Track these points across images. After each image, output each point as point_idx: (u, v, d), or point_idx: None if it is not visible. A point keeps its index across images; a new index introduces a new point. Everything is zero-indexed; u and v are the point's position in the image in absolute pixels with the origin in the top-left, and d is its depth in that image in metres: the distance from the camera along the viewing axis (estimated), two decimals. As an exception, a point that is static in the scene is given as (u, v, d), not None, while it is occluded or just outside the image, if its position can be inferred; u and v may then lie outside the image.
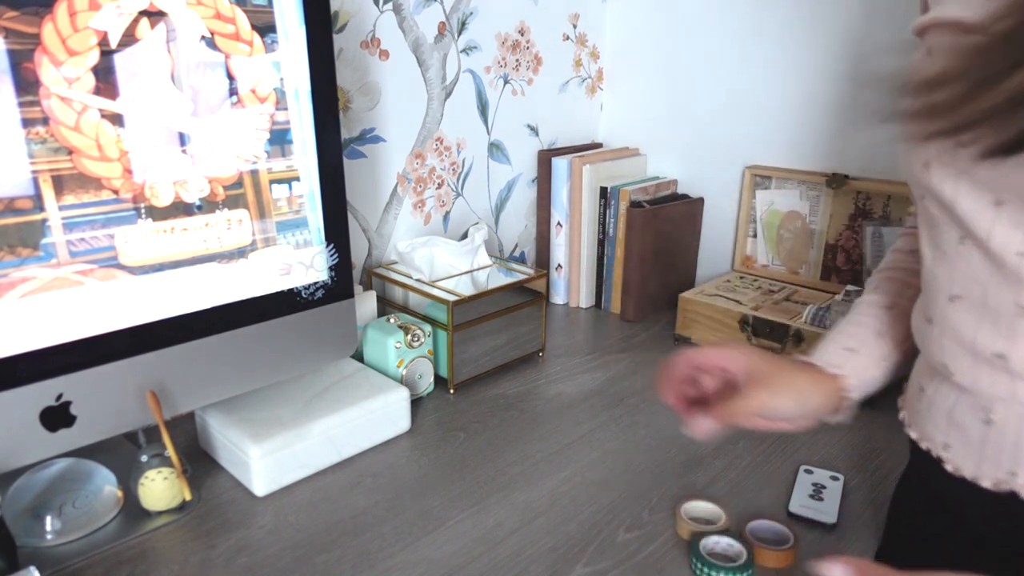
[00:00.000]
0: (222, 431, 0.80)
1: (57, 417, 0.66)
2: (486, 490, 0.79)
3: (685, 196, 1.36)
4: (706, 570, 0.65)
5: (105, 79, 0.62)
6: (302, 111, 0.76)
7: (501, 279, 1.11)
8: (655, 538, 0.71)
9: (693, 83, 1.34)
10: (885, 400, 1.00)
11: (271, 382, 0.83)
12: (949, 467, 0.54)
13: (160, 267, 0.69)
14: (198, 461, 0.83)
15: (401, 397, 0.88)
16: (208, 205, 0.71)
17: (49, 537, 0.69)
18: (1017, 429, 0.49)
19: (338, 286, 0.84)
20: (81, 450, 0.69)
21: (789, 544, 0.68)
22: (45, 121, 0.60)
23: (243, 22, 0.70)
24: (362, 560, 0.68)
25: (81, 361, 0.66)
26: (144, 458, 0.73)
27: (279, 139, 0.75)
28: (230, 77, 0.70)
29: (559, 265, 1.35)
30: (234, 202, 0.73)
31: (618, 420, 0.94)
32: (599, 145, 1.47)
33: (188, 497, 0.74)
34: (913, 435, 0.60)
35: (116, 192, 0.65)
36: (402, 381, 0.95)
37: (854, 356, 0.63)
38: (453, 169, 1.25)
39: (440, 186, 1.23)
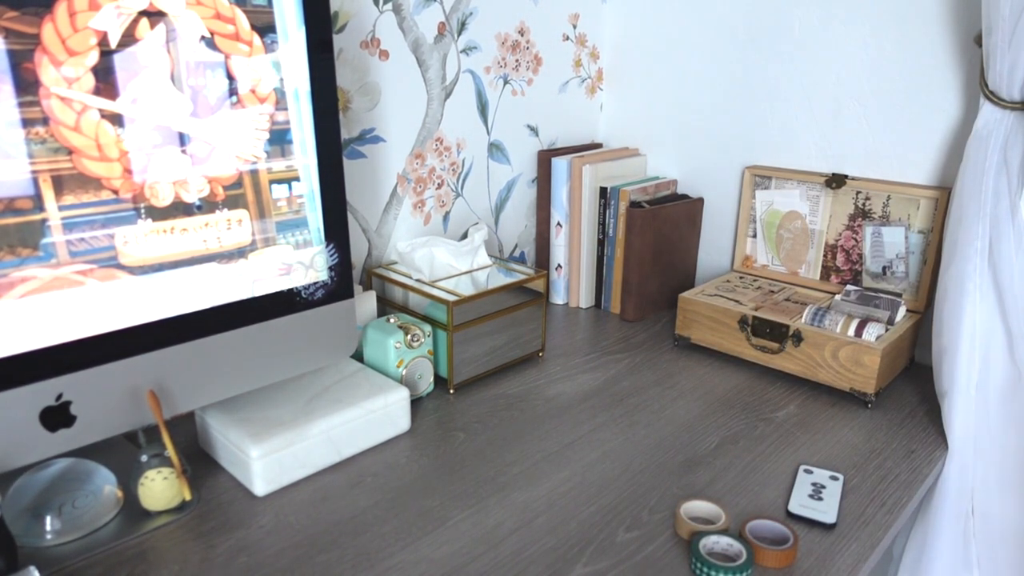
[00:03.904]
0: (222, 431, 0.80)
1: (57, 417, 0.66)
2: (486, 490, 0.79)
3: (685, 196, 1.36)
4: (706, 570, 0.65)
5: (105, 79, 0.62)
6: (302, 111, 0.76)
7: (501, 279, 1.11)
8: (655, 538, 0.71)
9: (693, 83, 1.34)
10: (885, 400, 1.01)
11: (271, 382, 0.83)
12: None
13: (160, 267, 0.69)
14: (198, 461, 0.83)
15: (401, 397, 0.88)
16: (208, 205, 0.71)
17: (49, 537, 0.69)
18: None
19: (338, 286, 0.84)
20: (81, 450, 0.70)
21: (789, 544, 0.68)
22: (45, 121, 0.60)
23: (243, 22, 0.70)
24: (362, 560, 0.68)
25: (81, 361, 0.66)
26: (144, 458, 0.73)
27: (279, 139, 0.75)
28: (230, 77, 0.70)
29: (559, 265, 1.36)
30: (234, 202, 0.73)
31: (618, 420, 0.94)
32: (599, 145, 1.47)
33: (188, 497, 0.74)
34: None
35: (116, 192, 0.65)
36: (402, 381, 0.95)
37: None
38: (453, 169, 1.25)
39: (440, 186, 1.23)
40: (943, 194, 1.06)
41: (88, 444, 0.68)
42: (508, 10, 1.25)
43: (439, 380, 1.03)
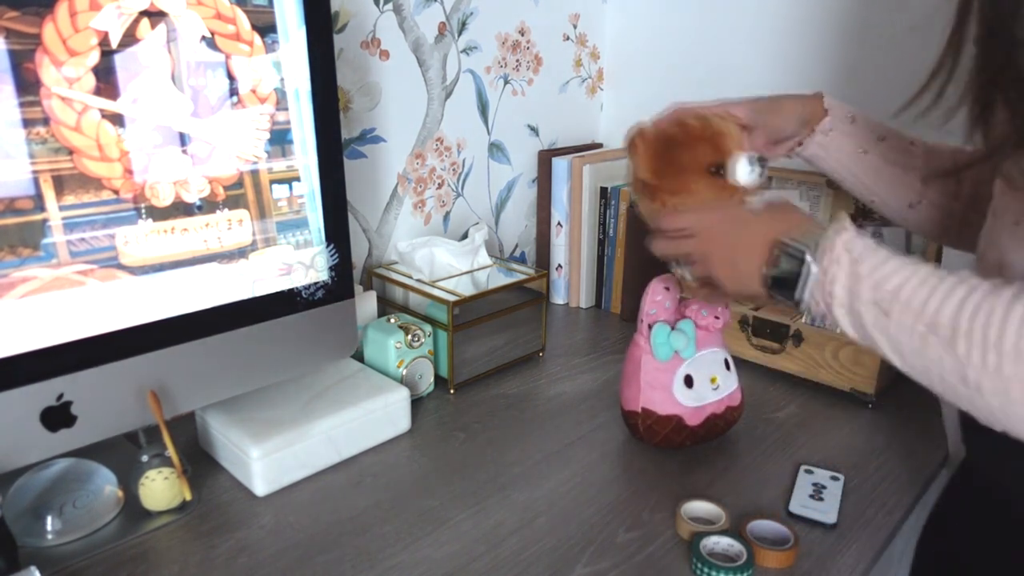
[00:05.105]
0: (222, 431, 0.80)
1: (58, 417, 0.66)
2: (486, 490, 0.79)
3: (685, 196, 1.36)
4: (706, 570, 0.65)
5: (106, 79, 0.62)
6: (302, 111, 0.76)
7: (501, 279, 1.11)
8: (655, 538, 0.71)
9: (693, 83, 1.34)
10: (886, 400, 1.01)
11: (271, 382, 0.83)
12: None
13: (160, 267, 0.69)
14: (198, 461, 0.83)
15: (401, 397, 0.88)
16: (208, 205, 0.71)
17: (50, 537, 0.69)
18: None
19: (338, 286, 0.84)
20: (82, 450, 0.70)
21: (789, 544, 0.68)
22: (46, 121, 0.60)
23: (243, 22, 0.70)
24: (362, 560, 0.68)
25: (82, 361, 0.66)
26: (145, 458, 0.73)
27: (279, 139, 0.75)
28: (230, 77, 0.70)
29: (559, 265, 1.36)
30: (234, 202, 0.73)
31: (618, 420, 0.94)
32: (599, 145, 1.47)
33: (188, 497, 0.74)
34: None
35: (116, 192, 0.65)
36: (402, 381, 0.95)
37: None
38: (453, 169, 1.25)
39: (440, 186, 1.23)
40: (943, 194, 1.06)
41: (89, 444, 0.68)
42: (508, 10, 1.25)
43: (439, 380, 1.03)
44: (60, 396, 0.66)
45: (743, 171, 0.68)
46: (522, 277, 1.09)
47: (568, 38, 1.39)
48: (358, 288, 1.04)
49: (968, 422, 0.64)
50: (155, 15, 0.64)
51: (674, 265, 0.71)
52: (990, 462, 0.66)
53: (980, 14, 0.50)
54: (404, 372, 0.95)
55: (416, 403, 0.98)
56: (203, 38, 0.68)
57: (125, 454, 0.79)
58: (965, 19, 0.51)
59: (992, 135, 0.51)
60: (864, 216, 1.15)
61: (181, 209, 0.70)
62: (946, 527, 0.75)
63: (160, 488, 0.73)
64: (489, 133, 1.29)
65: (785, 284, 0.59)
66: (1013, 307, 0.47)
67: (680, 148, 0.70)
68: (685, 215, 0.68)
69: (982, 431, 0.51)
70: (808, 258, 0.57)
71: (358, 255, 1.14)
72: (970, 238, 0.69)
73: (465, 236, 1.18)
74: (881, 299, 0.53)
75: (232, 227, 0.74)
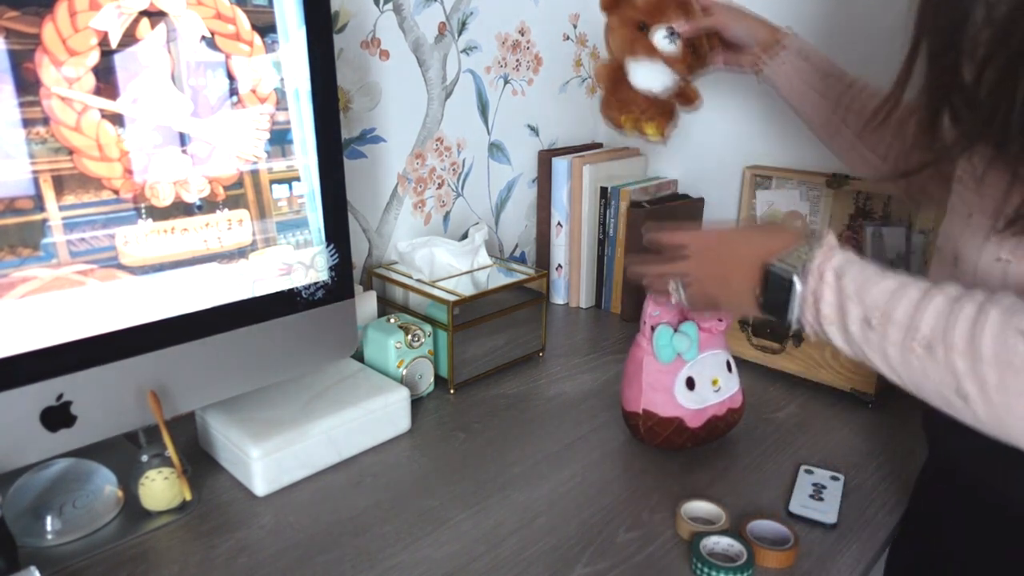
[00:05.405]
0: (222, 431, 0.80)
1: (57, 417, 0.66)
2: (486, 490, 0.79)
3: (685, 196, 1.36)
4: (706, 570, 0.65)
5: (105, 79, 0.62)
6: (302, 111, 0.76)
7: (501, 279, 1.11)
8: (655, 538, 0.71)
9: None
10: (886, 400, 1.01)
11: (271, 382, 0.83)
12: None
13: (160, 267, 0.69)
14: (198, 461, 0.83)
15: (401, 397, 0.88)
16: (208, 205, 0.71)
17: (49, 537, 0.69)
18: None
19: (338, 286, 0.84)
20: (81, 450, 0.70)
21: (789, 544, 0.68)
22: (46, 121, 0.60)
23: (243, 22, 0.70)
24: (362, 560, 0.68)
25: (82, 361, 0.66)
26: (144, 458, 0.73)
27: (279, 139, 0.75)
28: (230, 77, 0.70)
29: (559, 265, 1.36)
30: (234, 202, 0.73)
31: (618, 420, 0.94)
32: (599, 145, 1.47)
33: (188, 497, 0.74)
34: None
35: (116, 192, 0.65)
36: (402, 381, 0.95)
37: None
38: (453, 169, 1.25)
39: (440, 186, 1.23)
40: (943, 194, 1.06)
41: (89, 444, 0.68)
42: (508, 10, 1.25)
43: (439, 380, 1.03)
44: (60, 396, 0.66)
45: (659, 36, 0.84)
46: (522, 277, 1.09)
47: (568, 38, 1.39)
48: (358, 288, 1.04)
49: (931, 420, 0.65)
50: (155, 15, 0.64)
51: (671, 284, 0.74)
52: (960, 458, 0.66)
53: (933, 26, 0.53)
54: (404, 372, 0.95)
55: (416, 403, 0.98)
56: (203, 38, 0.68)
57: (125, 454, 0.79)
58: (921, 34, 0.54)
59: (939, 140, 0.54)
60: (864, 216, 1.15)
61: (181, 209, 0.70)
62: (921, 527, 0.75)
63: (160, 488, 0.73)
64: (489, 133, 1.29)
65: (777, 306, 0.60)
66: (986, 310, 0.48)
67: (636, 2, 0.86)
68: (682, 235, 0.71)
69: (949, 428, 0.52)
70: (795, 281, 0.58)
71: (358, 255, 1.14)
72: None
73: (465, 236, 1.18)
74: (871, 317, 0.53)
75: (232, 227, 0.74)
